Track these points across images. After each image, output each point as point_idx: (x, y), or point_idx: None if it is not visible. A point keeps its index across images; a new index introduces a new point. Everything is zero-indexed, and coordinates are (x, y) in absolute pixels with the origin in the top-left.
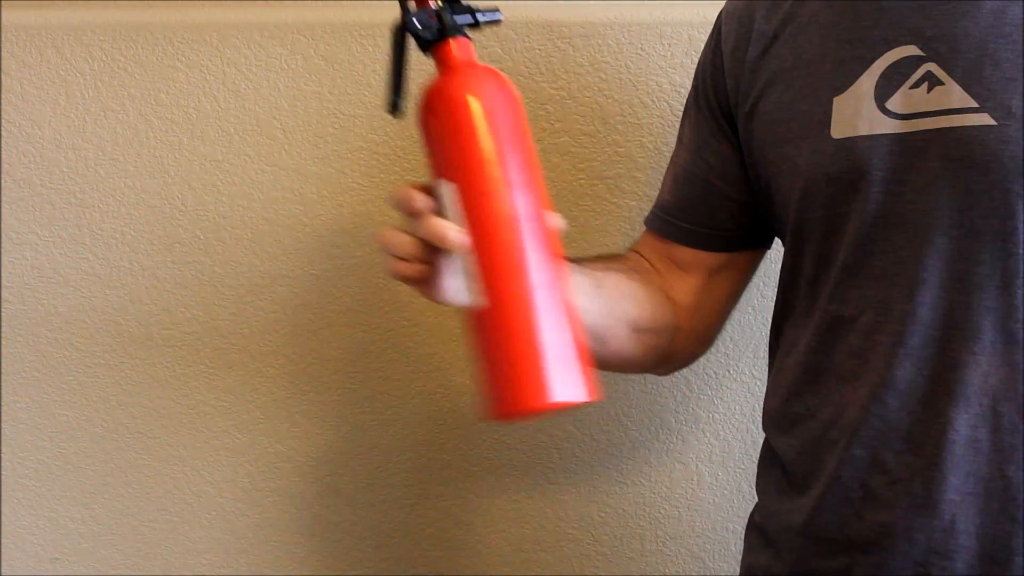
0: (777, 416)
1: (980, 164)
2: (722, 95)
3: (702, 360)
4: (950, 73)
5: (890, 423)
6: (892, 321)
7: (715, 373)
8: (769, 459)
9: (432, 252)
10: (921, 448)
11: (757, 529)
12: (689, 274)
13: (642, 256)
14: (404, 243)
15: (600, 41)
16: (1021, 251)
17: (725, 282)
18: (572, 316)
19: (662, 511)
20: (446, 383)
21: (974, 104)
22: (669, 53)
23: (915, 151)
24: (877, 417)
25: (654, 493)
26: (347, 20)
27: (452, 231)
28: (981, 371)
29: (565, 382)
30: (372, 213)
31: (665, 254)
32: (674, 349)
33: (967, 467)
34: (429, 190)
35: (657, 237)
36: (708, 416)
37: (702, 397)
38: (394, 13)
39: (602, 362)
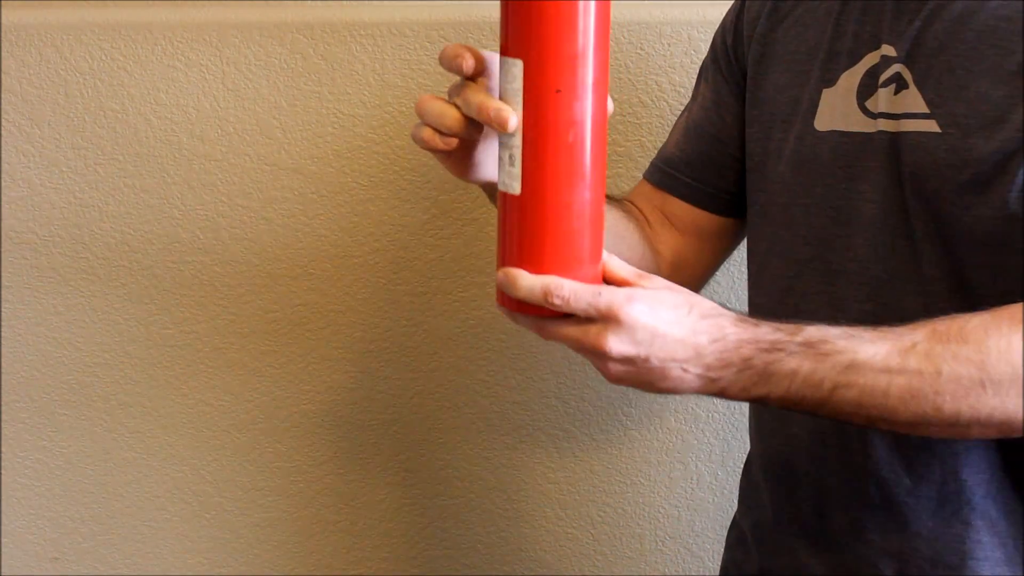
0: (750, 413)
1: (923, 171)
2: (743, 59)
3: None
4: (913, 77)
5: (846, 423)
6: (850, 319)
7: None
8: (748, 461)
9: (471, 128)
10: (875, 449)
11: (736, 527)
12: (679, 232)
13: (634, 205)
14: (446, 115)
15: None
16: (966, 256)
17: (711, 247)
18: (599, 225)
19: (662, 511)
20: (446, 383)
21: (926, 110)
22: (669, 53)
23: (875, 152)
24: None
25: (654, 493)
26: (347, 20)
27: (512, 116)
28: None
29: None
30: (372, 213)
31: (660, 207)
32: None
33: (921, 470)
34: (484, 59)
35: (656, 189)
36: (708, 416)
37: (702, 397)
38: (394, 14)
39: None
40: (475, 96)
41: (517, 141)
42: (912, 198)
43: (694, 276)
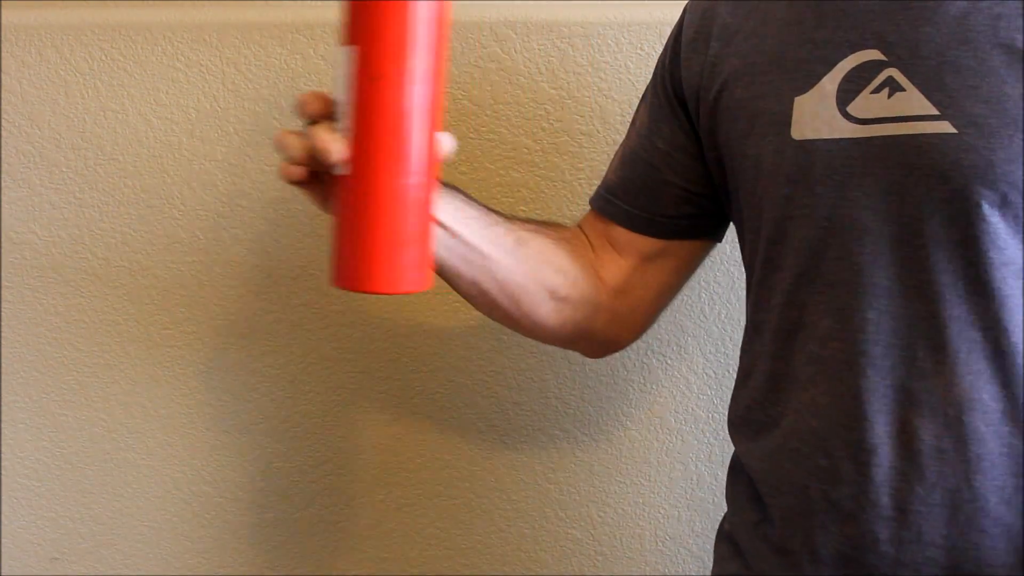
0: (740, 423)
1: (940, 172)
2: (678, 84)
3: (701, 360)
4: (911, 79)
5: (853, 432)
6: (851, 329)
7: (715, 373)
8: (738, 467)
9: (318, 160)
10: (885, 458)
11: (727, 539)
12: (622, 256)
13: (582, 232)
14: (292, 146)
15: (600, 41)
16: (983, 260)
17: (659, 270)
18: (427, 208)
19: (662, 511)
20: (446, 383)
21: (935, 112)
22: None
23: (873, 157)
24: (840, 426)
25: (654, 493)
26: None
27: (335, 146)
28: (944, 381)
29: (407, 273)
30: None
31: (603, 233)
32: (593, 327)
33: (933, 478)
34: (331, 103)
35: (598, 216)
36: (708, 416)
37: (702, 397)
38: None
39: (513, 323)
40: (314, 128)
41: (345, 125)
42: (921, 202)
43: (644, 300)
